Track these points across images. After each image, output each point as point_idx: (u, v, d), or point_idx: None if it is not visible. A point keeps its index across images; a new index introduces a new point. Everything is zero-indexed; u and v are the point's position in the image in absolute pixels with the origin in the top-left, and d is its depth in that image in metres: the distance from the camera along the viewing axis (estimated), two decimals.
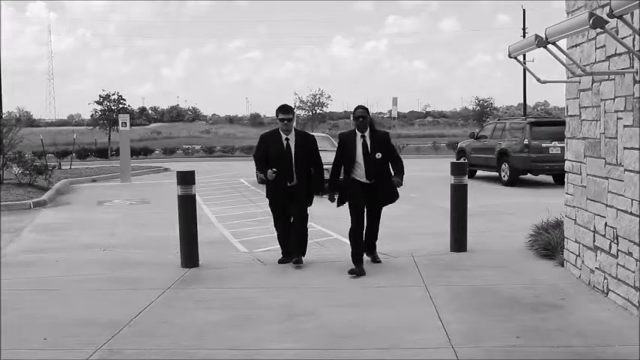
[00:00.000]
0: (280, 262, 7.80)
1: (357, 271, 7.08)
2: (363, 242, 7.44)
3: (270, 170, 7.53)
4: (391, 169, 7.44)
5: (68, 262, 8.29)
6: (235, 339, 5.16)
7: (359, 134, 7.29)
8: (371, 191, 7.27)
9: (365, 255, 7.50)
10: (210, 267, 7.67)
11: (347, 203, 7.37)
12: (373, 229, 7.64)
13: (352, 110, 7.45)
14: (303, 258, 7.68)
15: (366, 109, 7.41)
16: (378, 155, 7.21)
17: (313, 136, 8.00)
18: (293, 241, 7.67)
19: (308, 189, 7.70)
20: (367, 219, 7.44)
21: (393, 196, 7.49)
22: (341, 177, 7.53)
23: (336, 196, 7.43)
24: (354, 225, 7.27)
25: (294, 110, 7.76)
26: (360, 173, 7.26)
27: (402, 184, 7.36)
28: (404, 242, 9.04)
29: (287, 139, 7.59)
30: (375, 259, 7.70)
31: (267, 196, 7.89)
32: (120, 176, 21.23)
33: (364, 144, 7.25)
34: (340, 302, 6.02)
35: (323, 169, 7.75)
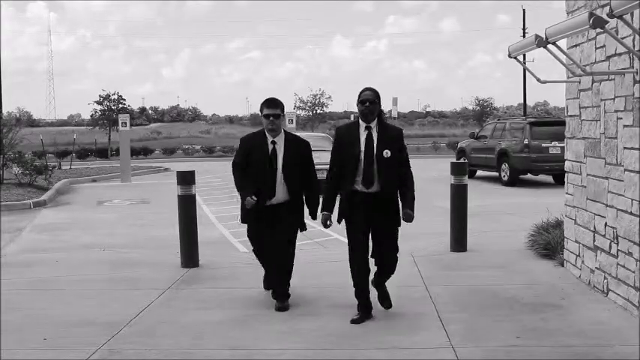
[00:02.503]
0: (277, 307, 5.91)
1: (362, 317, 5.54)
2: (369, 273, 5.64)
3: (249, 197, 5.82)
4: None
5: (68, 262, 8.30)
6: (235, 339, 5.16)
7: (363, 125, 5.45)
8: (377, 205, 5.46)
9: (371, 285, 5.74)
10: (210, 267, 7.67)
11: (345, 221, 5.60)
12: (387, 256, 5.66)
13: (359, 92, 5.52)
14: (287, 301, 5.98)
15: (376, 92, 5.50)
16: (387, 153, 5.36)
17: (308, 142, 6.11)
18: (274, 272, 6.07)
19: (297, 210, 5.99)
20: (375, 243, 5.60)
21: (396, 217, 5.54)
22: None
23: (330, 221, 5.56)
24: (354, 245, 5.54)
25: (284, 105, 6.03)
26: (362, 179, 5.42)
27: (413, 218, 5.48)
28: (404, 242, 8.98)
29: (273, 143, 5.86)
30: (384, 300, 5.81)
31: (242, 221, 6.18)
32: (120, 176, 21.22)
33: (369, 138, 5.42)
34: (340, 302, 6.02)
35: (319, 191, 6.02)
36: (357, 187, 5.43)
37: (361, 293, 5.58)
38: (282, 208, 5.88)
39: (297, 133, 20.34)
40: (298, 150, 5.94)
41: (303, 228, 6.10)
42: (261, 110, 5.96)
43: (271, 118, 5.84)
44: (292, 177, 5.86)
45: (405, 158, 5.56)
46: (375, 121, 5.49)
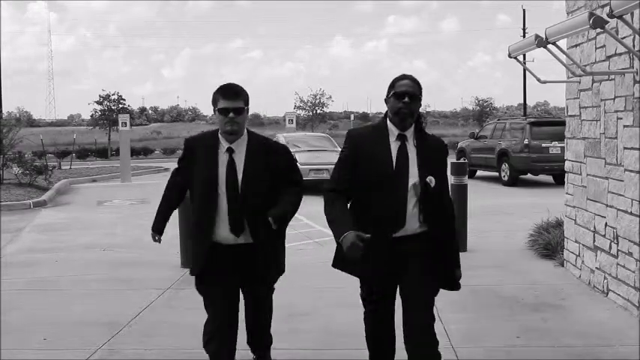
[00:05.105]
0: None
1: None
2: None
3: (154, 234, 4.16)
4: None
5: (68, 262, 8.30)
6: None
7: (395, 133, 3.60)
8: (403, 250, 3.59)
9: None
10: None
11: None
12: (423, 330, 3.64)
13: (392, 81, 3.62)
14: None
15: (419, 83, 3.62)
16: (431, 181, 3.54)
17: (286, 148, 4.18)
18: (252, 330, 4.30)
19: (272, 248, 3.94)
20: (406, 311, 3.68)
21: (453, 281, 3.95)
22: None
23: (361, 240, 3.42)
24: (372, 328, 3.93)
25: (248, 95, 3.87)
26: (388, 214, 3.54)
27: (460, 276, 3.97)
28: None
29: (230, 151, 3.81)
30: None
31: (191, 271, 4.03)
32: (120, 176, 21.21)
33: (402, 153, 3.58)
34: (340, 302, 6.01)
35: (302, 189, 4.05)
36: (379, 226, 3.54)
37: None
38: (248, 248, 3.85)
39: (298, 133, 20.41)
40: (269, 160, 3.86)
41: (280, 272, 4.12)
42: (214, 102, 3.83)
43: (231, 115, 3.73)
44: (259, 198, 3.79)
45: (445, 184, 3.72)
46: (412, 128, 3.63)
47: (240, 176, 3.79)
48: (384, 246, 3.56)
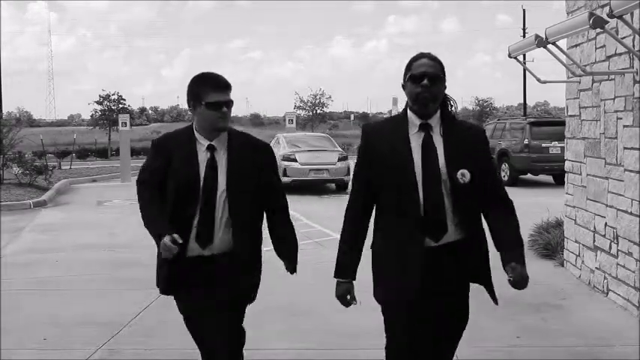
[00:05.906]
0: None
1: None
2: None
3: (168, 237, 3.14)
4: (484, 223, 3.20)
5: (68, 262, 8.30)
6: None
7: (416, 123, 2.98)
8: (441, 267, 3.09)
9: None
10: None
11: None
12: None
13: (408, 61, 3.01)
14: None
15: (441, 62, 3.00)
16: (463, 175, 2.92)
17: (268, 145, 3.60)
18: None
19: (249, 266, 3.48)
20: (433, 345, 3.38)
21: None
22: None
23: (351, 296, 3.29)
24: (396, 346, 3.24)
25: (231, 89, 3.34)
26: (414, 220, 2.94)
27: (527, 280, 3.32)
28: None
29: (211, 148, 3.29)
30: None
31: (162, 290, 3.71)
32: (120, 176, 21.22)
33: (427, 145, 2.96)
34: None
35: (291, 221, 3.73)
36: (403, 235, 2.98)
37: None
38: (223, 262, 3.32)
39: (298, 133, 20.41)
40: (253, 159, 3.35)
41: (253, 298, 3.58)
42: (198, 95, 3.24)
43: (224, 109, 3.24)
44: (241, 207, 3.31)
45: (494, 177, 3.11)
46: (438, 115, 3.00)
47: (224, 176, 3.27)
48: (419, 259, 2.96)
